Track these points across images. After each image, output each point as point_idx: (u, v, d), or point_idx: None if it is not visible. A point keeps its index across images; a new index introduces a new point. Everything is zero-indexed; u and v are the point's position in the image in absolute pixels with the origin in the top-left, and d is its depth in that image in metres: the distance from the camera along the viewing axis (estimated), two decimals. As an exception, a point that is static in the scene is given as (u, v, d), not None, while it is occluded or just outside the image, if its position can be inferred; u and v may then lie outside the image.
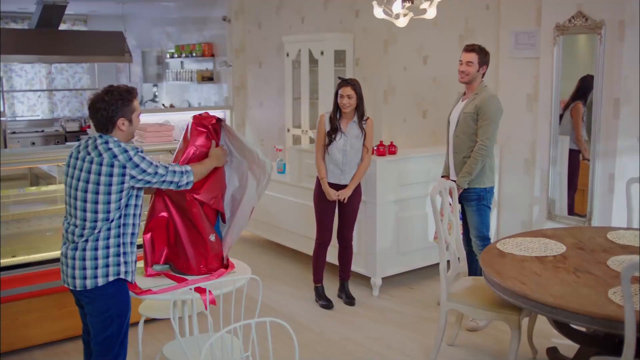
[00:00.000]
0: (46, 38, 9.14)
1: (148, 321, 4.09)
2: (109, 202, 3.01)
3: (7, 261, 4.13)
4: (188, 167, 3.24)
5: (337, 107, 4.76)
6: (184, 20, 10.23)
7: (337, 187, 4.81)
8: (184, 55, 10.00)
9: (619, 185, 4.57)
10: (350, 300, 5.00)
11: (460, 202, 4.61)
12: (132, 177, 3.03)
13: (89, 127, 10.33)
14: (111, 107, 3.04)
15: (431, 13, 4.14)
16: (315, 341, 4.41)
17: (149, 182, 3.09)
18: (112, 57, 9.72)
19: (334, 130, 4.76)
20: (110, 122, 3.06)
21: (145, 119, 7.38)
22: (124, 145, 3.07)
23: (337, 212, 4.95)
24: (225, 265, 3.53)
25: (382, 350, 4.25)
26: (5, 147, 8.58)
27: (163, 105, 10.74)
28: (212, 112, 8.10)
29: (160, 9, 10.48)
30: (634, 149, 4.60)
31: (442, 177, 4.75)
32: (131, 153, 3.04)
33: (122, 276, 3.06)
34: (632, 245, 3.63)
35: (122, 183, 3.01)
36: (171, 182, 3.17)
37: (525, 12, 5.22)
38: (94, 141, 3.07)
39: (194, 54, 9.71)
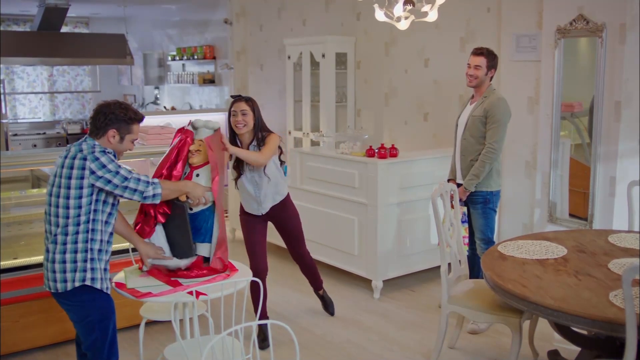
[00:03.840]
0: (48, 40, 9.17)
1: (149, 323, 4.10)
2: (68, 197, 2.98)
3: (8, 263, 4.14)
4: (155, 180, 3.14)
5: (233, 134, 4.12)
6: (185, 23, 10.25)
7: (255, 217, 4.34)
8: (185, 57, 10.02)
9: (620, 188, 4.57)
10: (328, 309, 4.86)
11: (466, 204, 4.61)
12: (92, 172, 2.96)
13: (90, 129, 10.34)
14: (110, 116, 3.07)
15: (432, 16, 4.14)
16: (316, 343, 4.40)
17: (109, 181, 2.98)
18: (114, 60, 9.76)
19: (237, 161, 4.15)
20: (103, 129, 3.07)
21: (146, 121, 7.40)
22: (97, 147, 3.04)
23: (280, 236, 4.57)
24: (224, 269, 3.52)
25: (383, 353, 4.25)
26: (7, 149, 8.59)
27: (164, 107, 10.76)
28: (213, 115, 8.15)
29: (162, 11, 10.49)
30: (635, 152, 4.59)
31: (449, 180, 4.75)
32: (96, 148, 3.01)
33: (87, 283, 3.04)
34: (633, 248, 3.62)
35: (82, 178, 2.97)
36: (135, 190, 3.05)
37: (526, 15, 5.22)
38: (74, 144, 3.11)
39: (196, 57, 9.73)
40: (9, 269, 4.11)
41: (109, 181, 2.99)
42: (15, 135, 9.59)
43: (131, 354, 4.19)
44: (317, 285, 4.84)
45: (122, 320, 4.44)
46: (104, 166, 2.98)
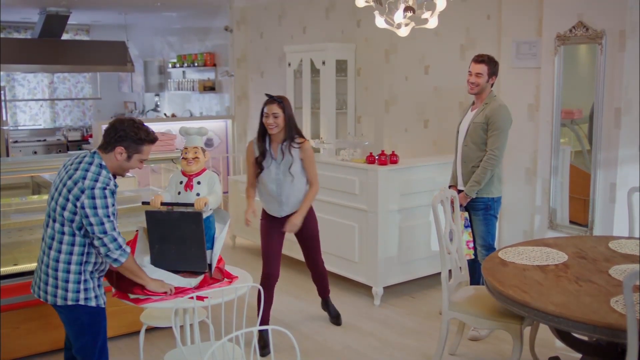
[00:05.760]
0: (49, 48, 9.20)
1: (149, 330, 4.09)
2: (63, 217, 2.98)
3: (9, 269, 4.14)
4: (128, 249, 3.08)
5: (264, 130, 4.24)
6: (186, 30, 10.27)
7: (277, 220, 4.36)
8: (185, 65, 10.03)
9: (621, 194, 4.57)
10: (335, 320, 4.82)
11: (466, 209, 4.62)
12: (82, 207, 2.93)
13: (90, 136, 10.37)
14: (121, 132, 3.05)
15: (433, 23, 4.14)
16: (317, 350, 4.40)
17: (90, 224, 2.94)
18: (115, 67, 9.80)
19: (262, 156, 4.25)
20: (112, 145, 3.07)
21: (147, 128, 7.42)
22: (103, 174, 3.00)
23: (298, 242, 4.58)
24: (222, 278, 3.50)
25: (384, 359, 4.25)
26: (8, 156, 8.60)
27: (165, 114, 10.77)
28: (213, 122, 8.14)
29: (163, 18, 10.52)
30: (635, 158, 4.60)
31: (450, 187, 4.75)
32: (98, 184, 2.96)
33: (81, 302, 3.03)
34: (633, 255, 3.62)
35: (75, 206, 2.96)
36: (104, 246, 2.99)
37: (526, 22, 5.24)
38: (84, 156, 3.08)
39: (196, 64, 9.74)
40: (9, 276, 4.11)
41: (90, 224, 2.96)
42: (16, 142, 9.60)
43: (131, 360, 4.19)
44: (324, 294, 4.86)
45: (122, 327, 4.45)
46: (94, 208, 2.94)
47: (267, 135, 4.24)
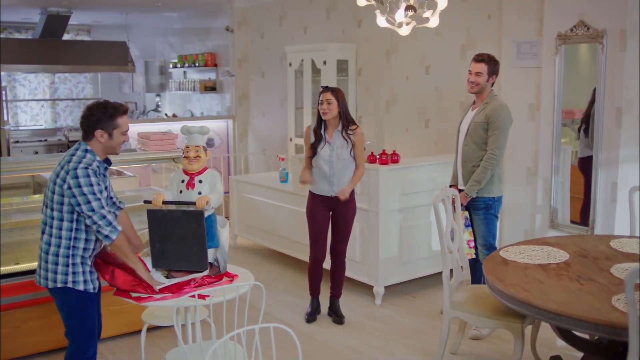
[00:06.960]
0: (49, 48, 9.21)
1: (151, 329, 4.10)
2: (52, 200, 3.11)
3: (10, 268, 4.14)
4: (119, 227, 3.17)
5: (320, 117, 4.64)
6: (186, 31, 10.28)
7: (326, 199, 4.68)
8: (186, 65, 10.04)
9: (622, 193, 4.57)
10: (339, 319, 4.84)
11: (467, 209, 4.62)
12: (69, 187, 3.05)
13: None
14: (92, 118, 3.19)
15: (434, 22, 4.15)
16: (318, 350, 4.40)
17: (78, 204, 3.05)
18: (115, 67, 9.81)
19: (318, 140, 4.65)
20: (90, 131, 3.20)
21: (148, 128, 7.45)
22: (87, 157, 3.13)
23: (331, 227, 4.79)
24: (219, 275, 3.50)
25: (385, 359, 4.24)
26: (9, 155, 8.60)
27: (166, 115, 10.77)
28: (214, 122, 8.17)
29: (163, 19, 10.53)
30: (636, 158, 4.60)
31: (450, 186, 4.75)
32: (81, 164, 3.08)
33: (69, 285, 3.14)
34: (635, 253, 3.62)
35: (62, 188, 3.08)
36: (95, 223, 3.09)
37: (527, 21, 5.24)
38: (72, 147, 3.25)
39: (197, 64, 9.75)
40: (11, 275, 4.12)
41: (78, 204, 3.08)
42: (17, 142, 9.60)
43: (132, 359, 4.18)
44: (337, 291, 4.91)
45: (123, 326, 4.45)
46: (79, 187, 3.06)
47: (324, 122, 4.61)
